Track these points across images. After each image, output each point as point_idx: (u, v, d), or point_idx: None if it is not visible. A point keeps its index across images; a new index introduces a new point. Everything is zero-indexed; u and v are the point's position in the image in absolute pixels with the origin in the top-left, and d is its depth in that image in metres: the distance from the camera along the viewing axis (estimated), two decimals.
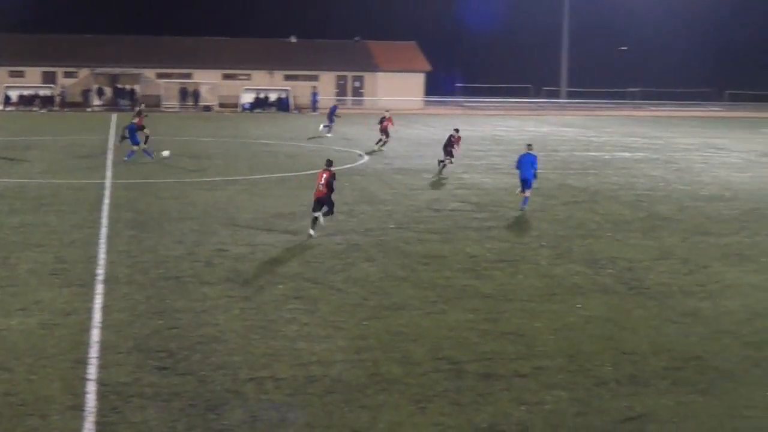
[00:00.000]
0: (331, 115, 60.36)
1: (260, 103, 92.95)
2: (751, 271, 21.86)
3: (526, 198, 30.17)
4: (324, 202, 24.99)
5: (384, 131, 50.79)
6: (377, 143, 50.99)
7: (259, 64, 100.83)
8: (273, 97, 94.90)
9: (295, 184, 35.54)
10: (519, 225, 27.50)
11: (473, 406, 12.99)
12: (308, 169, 40.40)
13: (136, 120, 44.16)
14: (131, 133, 42.68)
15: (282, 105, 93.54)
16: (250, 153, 47.69)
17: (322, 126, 60.25)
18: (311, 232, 24.75)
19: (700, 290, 19.89)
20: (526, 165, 30.02)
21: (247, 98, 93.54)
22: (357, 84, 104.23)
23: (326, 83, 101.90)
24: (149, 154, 42.89)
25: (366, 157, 46.25)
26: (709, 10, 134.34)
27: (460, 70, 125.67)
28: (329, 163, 25.63)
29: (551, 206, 31.16)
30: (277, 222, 27.03)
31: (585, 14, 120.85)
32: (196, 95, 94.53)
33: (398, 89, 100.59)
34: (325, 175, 24.87)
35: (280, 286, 19.38)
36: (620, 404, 13.17)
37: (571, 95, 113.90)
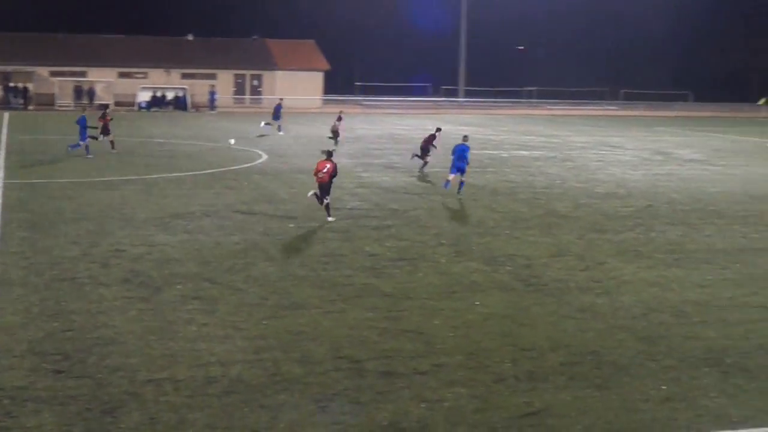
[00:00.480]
0: (277, 112, 59.58)
1: (157, 102, 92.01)
2: (646, 267, 22.25)
3: (462, 183, 33.32)
4: (327, 189, 27.29)
5: (335, 131, 51.86)
6: (335, 142, 51.59)
7: (156, 63, 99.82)
8: (170, 95, 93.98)
9: (193, 183, 35.21)
10: (418, 223, 27.59)
11: (373, 404, 12.98)
12: (206, 168, 40.10)
13: (100, 120, 46.14)
14: (83, 128, 43.08)
15: (179, 104, 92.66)
16: (147, 152, 47.07)
17: (263, 123, 59.62)
18: (329, 218, 27.30)
19: (597, 286, 20.18)
20: (461, 154, 33.15)
21: (144, 97, 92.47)
22: (255, 83, 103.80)
23: (224, 82, 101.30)
24: (74, 147, 43.87)
25: (265, 156, 46.00)
26: (603, 11, 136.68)
27: (359, 69, 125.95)
28: (329, 153, 28.13)
29: (450, 204, 31.35)
30: (174, 222, 26.72)
31: (483, 14, 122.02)
32: (91, 94, 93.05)
33: (297, 88, 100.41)
34: (328, 165, 27.08)
35: (179, 287, 19.16)
36: (519, 400, 13.28)
37: (469, 94, 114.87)
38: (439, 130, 42.13)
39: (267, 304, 17.98)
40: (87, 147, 43.47)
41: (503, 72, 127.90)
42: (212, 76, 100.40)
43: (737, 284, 20.66)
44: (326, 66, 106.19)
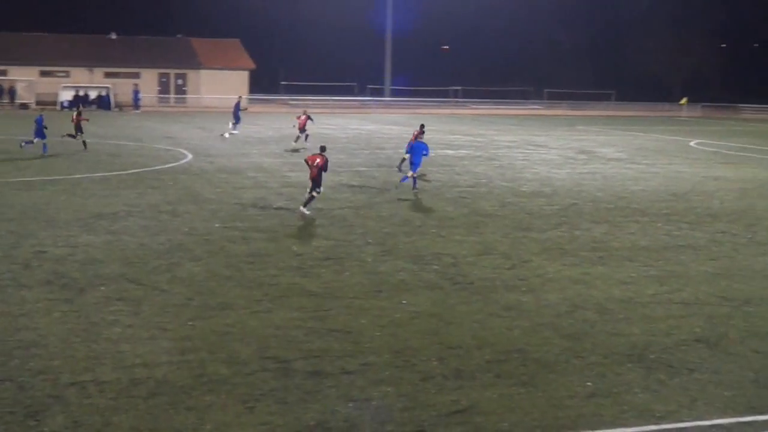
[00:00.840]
0: (236, 112, 58.35)
1: (80, 101, 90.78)
2: (571, 264, 22.47)
3: (414, 179, 34.40)
4: (318, 182, 28.53)
5: (301, 128, 52.34)
6: (298, 140, 52.44)
7: (79, 61, 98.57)
8: (93, 94, 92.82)
9: (117, 183, 34.81)
10: (345, 223, 27.56)
11: (301, 404, 12.94)
12: (130, 168, 39.68)
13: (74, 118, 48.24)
14: (39, 126, 45.16)
15: (103, 103, 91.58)
16: (70, 151, 46.43)
17: (227, 132, 58.33)
18: (304, 210, 28.34)
19: (522, 284, 20.33)
20: (417, 151, 34.37)
21: (66, 96, 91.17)
22: (180, 82, 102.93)
23: (148, 81, 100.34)
24: (27, 144, 45.75)
25: (190, 156, 45.65)
26: (528, 11, 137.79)
27: (285, 68, 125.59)
28: (323, 149, 29.17)
29: (377, 204, 31.38)
30: (98, 222, 26.38)
31: (408, 13, 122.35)
32: (11, 93, 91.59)
33: (222, 87, 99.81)
34: (318, 160, 28.37)
35: (102, 288, 18.92)
36: (446, 398, 13.33)
37: (395, 93, 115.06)
38: (422, 126, 41.61)
39: (192, 305, 17.83)
40: (44, 145, 45.13)
41: (429, 71, 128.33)
42: (136, 75, 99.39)
43: (660, 281, 20.95)
44: (252, 65, 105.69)
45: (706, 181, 40.42)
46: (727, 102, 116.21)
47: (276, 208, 29.82)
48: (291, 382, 13.77)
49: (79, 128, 47.56)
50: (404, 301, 18.56)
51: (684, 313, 18.26)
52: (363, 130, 68.51)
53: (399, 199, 32.37)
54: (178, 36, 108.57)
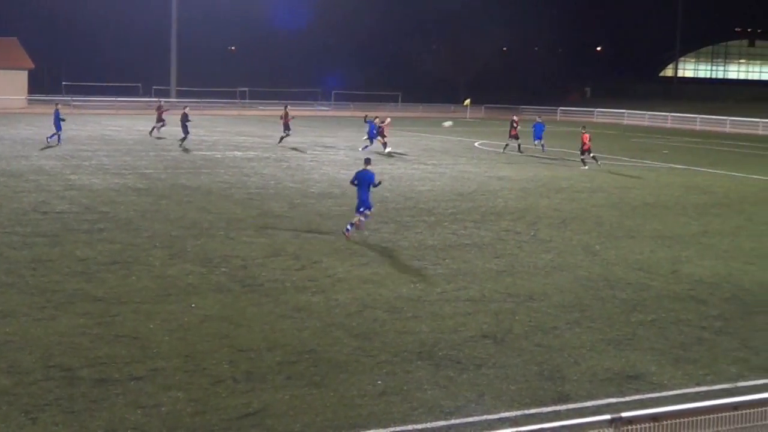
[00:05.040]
0: (56, 121, 55.12)
1: None
2: (360, 264, 22.64)
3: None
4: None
5: (286, 126, 57.26)
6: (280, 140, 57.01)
7: None
8: None
9: None
10: (131, 226, 26.97)
11: (88, 412, 12.56)
12: None
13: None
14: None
15: None
16: None
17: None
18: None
19: (312, 285, 20.36)
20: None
21: None
22: None
23: None
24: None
25: None
26: (314, 13, 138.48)
27: (67, 68, 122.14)
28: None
29: (164, 206, 30.85)
30: None
31: (194, 13, 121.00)
32: None
33: None
34: None
35: None
36: (237, 401, 13.20)
37: (181, 94, 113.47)
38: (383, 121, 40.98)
39: None
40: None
41: (215, 72, 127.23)
42: None
43: (447, 279, 21.36)
44: (30, 65, 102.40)
45: (490, 181, 41.51)
46: (509, 103, 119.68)
47: (59, 212, 28.91)
48: (77, 390, 13.36)
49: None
50: (193, 305, 18.31)
51: (471, 310, 18.67)
52: (148, 132, 67.28)
53: (188, 202, 31.92)
54: None
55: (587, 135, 48.98)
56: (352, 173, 42.10)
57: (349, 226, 26.45)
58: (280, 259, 23.04)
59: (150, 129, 59.87)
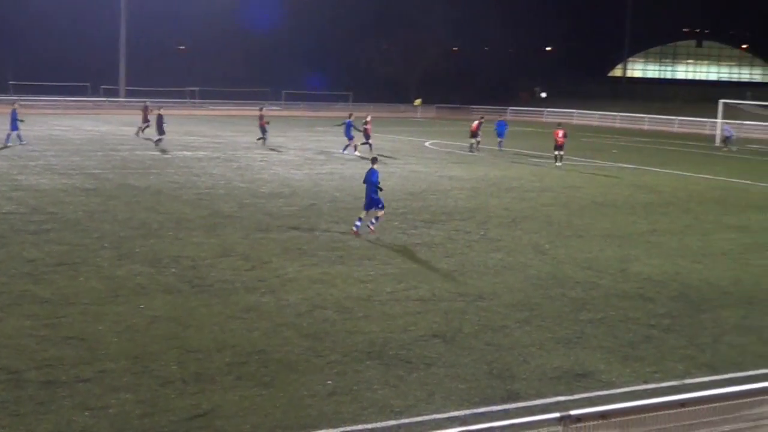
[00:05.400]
0: (13, 122, 53.61)
1: None
2: (310, 264, 22.60)
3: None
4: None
5: (262, 128, 57.42)
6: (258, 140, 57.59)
7: None
8: None
9: None
10: (79, 227, 26.73)
11: (34, 415, 12.43)
12: None
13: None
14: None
15: None
16: None
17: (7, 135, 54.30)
18: None
19: (262, 285, 20.29)
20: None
21: None
22: None
23: None
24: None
25: None
26: (261, 10, 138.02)
27: (14, 67, 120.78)
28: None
29: (112, 207, 30.60)
30: None
31: (142, 13, 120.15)
32: None
33: None
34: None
35: None
36: (186, 402, 13.12)
37: (130, 94, 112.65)
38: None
39: None
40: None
41: (165, 71, 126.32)
42: None
43: (397, 279, 21.37)
44: None
45: (440, 181, 41.61)
46: (459, 103, 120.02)
47: (5, 213, 28.59)
48: (23, 393, 13.21)
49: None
50: (142, 306, 18.18)
51: (421, 310, 18.70)
52: (97, 132, 66.80)
53: (136, 202, 31.68)
54: None
55: (560, 131, 49.57)
56: (302, 173, 42.21)
57: (358, 222, 27.21)
58: (229, 259, 22.93)
59: (136, 130, 59.80)
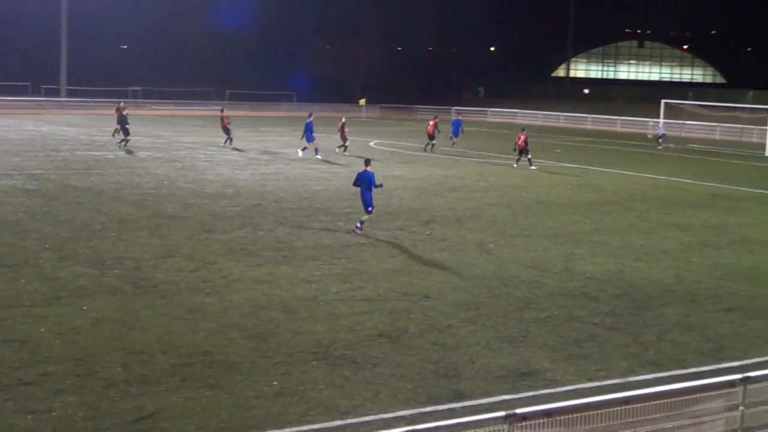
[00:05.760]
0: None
1: None
2: (255, 265, 22.51)
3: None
4: None
5: (225, 129, 56.18)
6: (225, 142, 56.07)
7: None
8: None
9: None
10: (19, 228, 26.41)
11: None
12: None
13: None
14: None
15: None
16: None
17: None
18: None
19: (207, 286, 20.18)
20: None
21: None
22: None
23: None
24: None
25: None
26: (203, 10, 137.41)
27: None
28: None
29: (54, 208, 30.27)
30: None
31: (84, 12, 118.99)
32: None
33: None
34: None
35: None
36: (131, 404, 13.01)
37: (71, 94, 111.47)
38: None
39: None
40: None
41: (107, 71, 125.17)
42: None
43: (343, 279, 21.36)
44: None
45: (385, 180, 41.42)
46: (404, 103, 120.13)
47: None
48: None
49: None
50: (85, 307, 18.01)
51: (367, 310, 18.70)
52: (38, 132, 66.05)
53: (78, 203, 31.38)
54: None
55: (522, 135, 49.64)
56: (247, 173, 42.02)
57: (359, 224, 27.55)
58: (174, 260, 22.78)
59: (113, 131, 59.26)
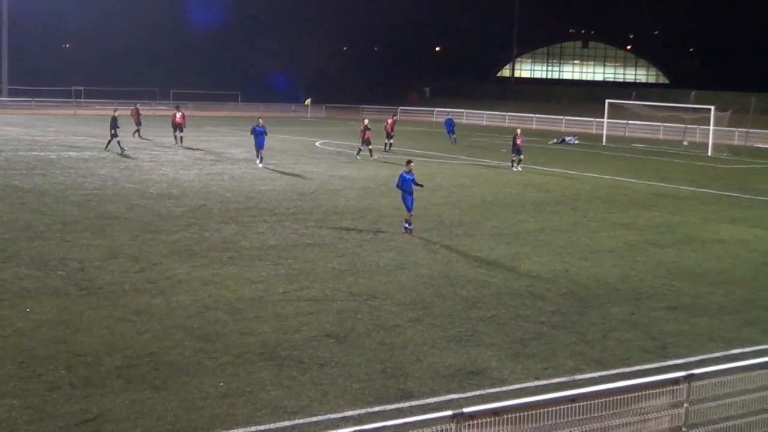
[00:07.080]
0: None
1: None
2: (200, 265, 22.39)
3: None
4: None
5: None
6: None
7: None
8: None
9: None
10: None
11: None
12: None
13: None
14: None
15: None
16: None
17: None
18: None
19: (152, 287, 20.03)
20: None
21: None
22: None
23: None
24: None
25: None
26: (138, 11, 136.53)
27: None
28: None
29: None
30: None
31: (25, 11, 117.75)
32: None
33: None
34: None
35: None
36: (75, 407, 12.89)
37: (12, 93, 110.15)
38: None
39: None
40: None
41: (49, 70, 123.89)
42: None
43: (289, 279, 21.30)
44: None
45: (331, 180, 41.57)
46: (349, 103, 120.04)
47: None
48: None
49: None
50: (28, 309, 17.81)
51: (313, 310, 18.67)
52: None
53: (21, 204, 31.02)
54: None
55: (521, 136, 49.77)
56: (192, 173, 41.78)
57: (406, 224, 28.34)
58: (118, 261, 22.60)
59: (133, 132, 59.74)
